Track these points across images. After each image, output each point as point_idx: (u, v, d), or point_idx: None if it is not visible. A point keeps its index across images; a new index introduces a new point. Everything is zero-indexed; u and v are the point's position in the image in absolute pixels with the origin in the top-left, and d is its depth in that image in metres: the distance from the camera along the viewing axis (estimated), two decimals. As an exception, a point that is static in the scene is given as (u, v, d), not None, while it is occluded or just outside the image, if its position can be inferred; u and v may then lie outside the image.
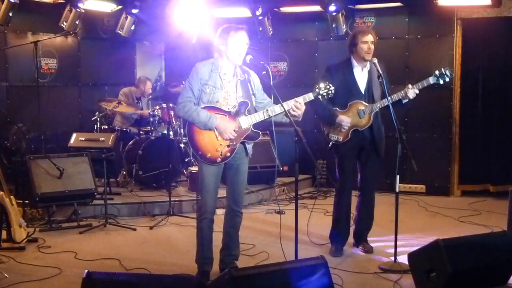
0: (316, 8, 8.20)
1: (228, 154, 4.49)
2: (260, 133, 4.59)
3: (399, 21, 8.18)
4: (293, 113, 4.40)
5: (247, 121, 4.50)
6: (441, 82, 5.14)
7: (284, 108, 4.35)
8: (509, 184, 6.43)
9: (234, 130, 4.46)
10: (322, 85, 4.50)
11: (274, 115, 4.47)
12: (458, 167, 8.01)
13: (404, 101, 5.14)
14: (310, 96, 4.49)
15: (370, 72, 5.18)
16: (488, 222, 6.39)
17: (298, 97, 4.44)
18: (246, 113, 4.51)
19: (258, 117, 4.50)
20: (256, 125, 4.56)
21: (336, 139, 5.18)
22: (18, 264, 5.05)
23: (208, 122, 4.40)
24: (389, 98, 4.92)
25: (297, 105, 4.39)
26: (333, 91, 4.53)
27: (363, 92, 5.16)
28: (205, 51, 7.68)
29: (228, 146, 4.48)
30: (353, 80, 5.16)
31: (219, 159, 4.47)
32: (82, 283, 3.22)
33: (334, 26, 8.08)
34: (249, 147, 4.64)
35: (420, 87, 5.09)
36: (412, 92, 5.06)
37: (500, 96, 7.87)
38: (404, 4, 8.00)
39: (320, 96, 4.51)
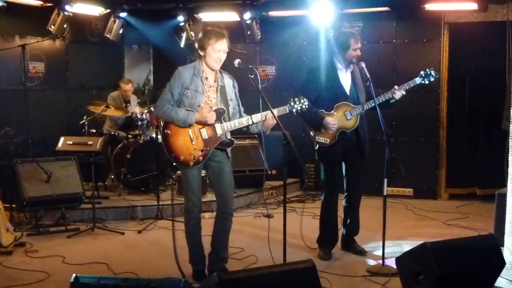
0: (304, 12, 8.23)
1: (201, 158, 4.50)
2: (234, 140, 4.64)
3: (387, 26, 8.22)
4: (265, 123, 4.47)
5: (221, 129, 4.52)
6: (426, 82, 5.22)
7: (263, 116, 4.41)
8: (496, 187, 6.46)
9: (209, 136, 4.48)
10: (296, 99, 4.55)
11: (250, 125, 4.54)
12: (446, 171, 8.06)
13: (391, 101, 5.18)
14: (285, 109, 4.55)
15: (353, 74, 5.22)
16: (475, 225, 6.44)
17: (275, 108, 4.47)
18: (222, 120, 4.54)
19: (234, 125, 4.55)
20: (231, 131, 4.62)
21: (323, 141, 5.19)
22: (5, 268, 5.01)
23: (187, 118, 4.41)
24: (376, 100, 4.95)
25: (272, 116, 4.41)
26: (307, 106, 4.58)
27: (348, 94, 5.20)
28: (194, 55, 7.66)
29: (201, 151, 4.49)
30: (338, 82, 5.19)
31: (192, 163, 4.49)
32: (69, 287, 3.21)
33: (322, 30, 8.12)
34: (229, 150, 4.66)
35: (407, 88, 5.15)
36: (399, 93, 5.13)
37: (487, 100, 7.91)
38: (391, 9, 8.04)
39: (294, 110, 4.56)
